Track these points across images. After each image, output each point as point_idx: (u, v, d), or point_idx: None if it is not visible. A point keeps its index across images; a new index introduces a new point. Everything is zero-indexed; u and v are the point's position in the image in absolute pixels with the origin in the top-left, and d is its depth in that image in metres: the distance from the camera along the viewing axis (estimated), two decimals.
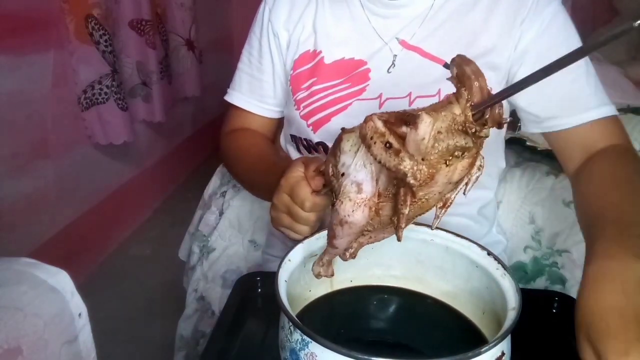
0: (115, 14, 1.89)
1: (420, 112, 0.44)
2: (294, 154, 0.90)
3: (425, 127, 0.43)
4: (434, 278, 0.64)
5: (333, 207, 0.53)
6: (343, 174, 0.50)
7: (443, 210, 0.51)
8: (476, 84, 0.44)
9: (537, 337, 0.67)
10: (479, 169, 0.48)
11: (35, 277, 0.60)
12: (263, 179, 0.78)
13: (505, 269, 0.57)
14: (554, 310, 0.72)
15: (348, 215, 0.49)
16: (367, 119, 0.47)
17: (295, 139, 0.86)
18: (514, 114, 0.83)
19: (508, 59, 0.75)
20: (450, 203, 0.51)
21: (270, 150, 0.89)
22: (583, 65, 0.73)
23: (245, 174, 0.91)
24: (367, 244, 0.55)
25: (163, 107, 2.20)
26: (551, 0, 0.74)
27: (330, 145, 0.81)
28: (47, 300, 0.59)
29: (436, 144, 0.44)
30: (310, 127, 0.81)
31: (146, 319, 1.70)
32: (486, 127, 0.45)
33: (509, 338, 0.50)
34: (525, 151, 1.19)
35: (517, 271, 1.04)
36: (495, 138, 0.82)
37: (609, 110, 0.73)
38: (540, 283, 1.04)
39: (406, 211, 0.47)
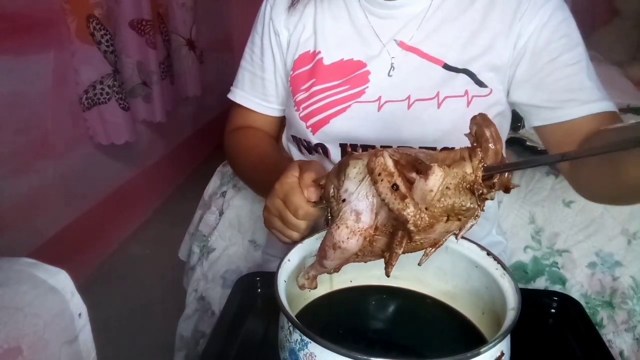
0: (115, 13, 1.89)
1: (432, 164, 0.44)
2: (296, 154, 0.90)
3: (436, 180, 0.44)
4: (433, 278, 0.64)
5: (327, 225, 0.54)
6: (344, 200, 0.51)
7: (433, 250, 0.52)
8: (492, 147, 0.45)
9: (537, 337, 0.67)
10: (475, 218, 0.48)
11: (35, 277, 0.60)
12: (263, 177, 0.78)
13: (504, 269, 0.57)
14: (554, 310, 0.72)
15: (342, 242, 0.50)
16: (378, 153, 0.47)
17: (296, 140, 0.86)
18: (514, 115, 0.83)
19: (509, 59, 0.75)
20: (442, 244, 0.52)
21: (272, 149, 0.89)
22: (584, 61, 0.72)
23: (247, 173, 0.91)
24: (353, 262, 0.55)
25: (164, 107, 2.20)
26: None
27: (329, 147, 0.81)
28: (47, 300, 0.59)
29: (442, 199, 0.45)
30: (310, 129, 0.81)
31: (146, 319, 1.70)
32: (493, 190, 0.46)
33: (508, 338, 0.50)
34: (526, 151, 1.19)
35: (517, 271, 1.04)
36: None
37: (610, 105, 0.72)
38: (540, 283, 1.04)
39: (400, 252, 0.49)
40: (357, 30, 0.80)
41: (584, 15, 2.51)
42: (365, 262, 0.55)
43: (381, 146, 0.77)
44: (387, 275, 0.51)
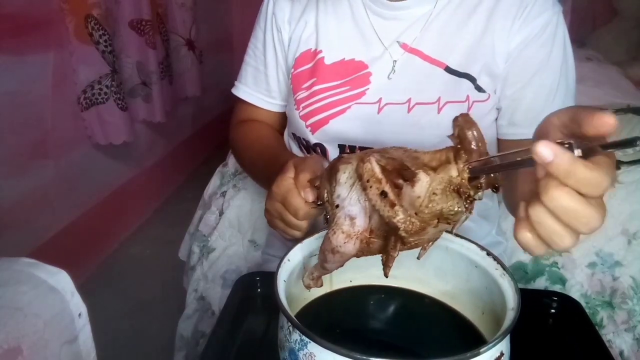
0: (115, 14, 1.89)
1: (418, 171, 0.45)
2: (296, 151, 0.90)
3: (422, 187, 0.44)
4: (433, 278, 0.64)
5: (327, 223, 0.55)
6: (337, 206, 0.52)
7: (430, 243, 0.53)
8: (475, 148, 0.45)
9: (537, 337, 0.67)
10: (470, 212, 0.48)
11: (35, 277, 0.60)
12: (264, 171, 0.79)
13: (504, 269, 0.57)
14: (554, 310, 0.72)
15: (340, 246, 0.51)
16: (365, 159, 0.47)
17: (296, 138, 0.86)
18: None
19: (503, 68, 0.75)
20: (437, 238, 0.52)
21: (274, 142, 0.89)
22: (556, 83, 0.73)
23: (249, 165, 0.92)
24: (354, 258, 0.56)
25: (163, 107, 2.20)
26: (546, 8, 0.73)
27: (328, 147, 0.81)
28: (47, 300, 0.59)
29: (430, 204, 0.45)
30: (309, 128, 0.81)
31: (146, 319, 1.70)
32: (480, 190, 0.46)
33: (508, 338, 0.50)
34: None
35: (517, 271, 1.04)
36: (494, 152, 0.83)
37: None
38: (540, 283, 1.04)
39: (395, 255, 0.49)
40: (360, 30, 0.80)
41: (584, 15, 2.51)
42: (366, 256, 0.55)
43: (360, 147, 0.78)
44: (386, 276, 0.51)
